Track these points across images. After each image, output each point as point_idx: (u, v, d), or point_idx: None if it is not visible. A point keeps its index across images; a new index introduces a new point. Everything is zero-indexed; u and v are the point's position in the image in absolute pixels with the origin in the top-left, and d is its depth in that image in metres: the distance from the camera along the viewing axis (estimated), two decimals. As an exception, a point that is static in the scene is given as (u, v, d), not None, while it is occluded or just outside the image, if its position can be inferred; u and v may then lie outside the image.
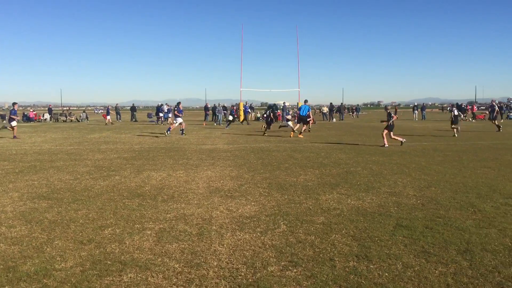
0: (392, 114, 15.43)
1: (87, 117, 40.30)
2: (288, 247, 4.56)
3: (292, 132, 20.04)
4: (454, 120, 20.34)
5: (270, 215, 5.82)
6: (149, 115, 41.20)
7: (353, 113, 52.38)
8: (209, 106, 41.87)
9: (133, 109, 42.04)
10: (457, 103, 40.04)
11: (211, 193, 7.33)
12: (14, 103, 20.53)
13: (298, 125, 20.55)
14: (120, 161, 11.37)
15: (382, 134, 15.63)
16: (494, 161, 11.16)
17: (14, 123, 19.43)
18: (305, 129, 20.59)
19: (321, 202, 6.59)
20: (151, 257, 4.23)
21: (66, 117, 40.24)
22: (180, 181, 8.49)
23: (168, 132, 20.87)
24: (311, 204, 6.45)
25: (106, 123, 33.78)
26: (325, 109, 41.73)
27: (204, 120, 40.27)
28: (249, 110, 35.76)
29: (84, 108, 55.78)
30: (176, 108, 22.35)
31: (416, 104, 43.59)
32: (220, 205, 6.44)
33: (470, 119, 39.51)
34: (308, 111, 20.13)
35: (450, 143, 16.28)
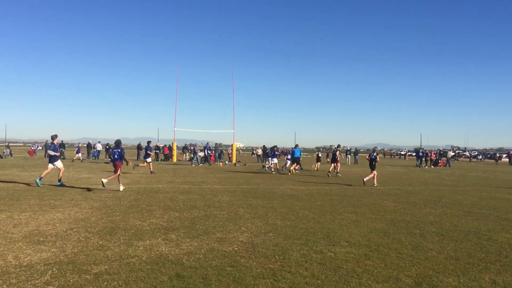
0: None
1: (11, 153, 38.46)
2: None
3: (289, 171, 24.41)
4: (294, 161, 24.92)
5: (41, 264, 5.35)
6: (78, 152, 39.88)
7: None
8: (142, 145, 41.08)
9: (61, 145, 40.55)
10: (416, 149, 40.84)
11: (24, 238, 6.81)
12: (149, 141, 24.34)
13: (294, 164, 24.65)
14: (-23, 201, 10.59)
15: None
16: (367, 207, 11.21)
17: (149, 159, 22.15)
18: (297, 168, 24.98)
19: (124, 250, 6.20)
20: None
21: (-12, 153, 38.28)
22: (9, 224, 7.89)
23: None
24: (109, 254, 6.04)
25: (73, 160, 34.01)
26: (259, 151, 41.83)
27: (137, 159, 39.45)
28: (209, 151, 34.71)
29: (6, 143, 53.13)
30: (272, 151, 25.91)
31: (349, 148, 44.45)
32: (11, 252, 5.92)
33: (427, 165, 39.13)
34: (300, 153, 24.94)
35: (349, 188, 16.41)
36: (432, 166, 38.54)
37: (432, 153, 42.96)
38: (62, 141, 42.24)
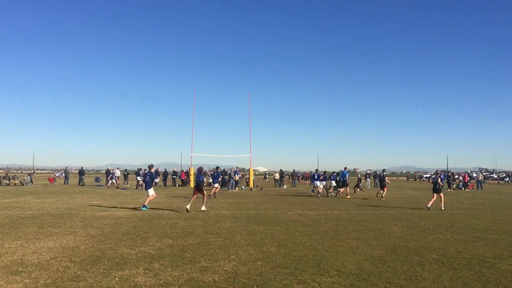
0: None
1: (31, 181, 39.09)
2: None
3: (346, 195, 24.57)
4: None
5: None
6: (96, 179, 40.33)
7: (306, 180, 52.31)
8: (159, 170, 41.16)
9: (81, 172, 41.08)
10: (443, 171, 39.87)
11: (3, 268, 6.70)
12: (217, 167, 25.23)
13: (344, 188, 25.12)
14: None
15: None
16: (372, 233, 10.81)
17: (217, 184, 23.08)
18: (342, 191, 25.35)
19: (98, 281, 5.97)
20: None
21: (10, 180, 38.98)
22: (-4, 253, 7.77)
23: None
24: (82, 285, 5.82)
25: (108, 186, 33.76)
26: (277, 175, 41.43)
27: (154, 185, 39.35)
28: (235, 175, 34.17)
29: (31, 171, 54.33)
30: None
31: (368, 171, 43.63)
32: (-15, 282, 5.76)
33: (450, 189, 37.60)
34: (346, 175, 25.19)
35: (360, 212, 15.93)
36: (462, 189, 37.48)
37: (466, 176, 42.16)
38: (82, 167, 42.79)
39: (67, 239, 9.44)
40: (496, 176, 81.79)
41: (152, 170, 17.14)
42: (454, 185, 39.40)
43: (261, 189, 34.38)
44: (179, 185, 39.56)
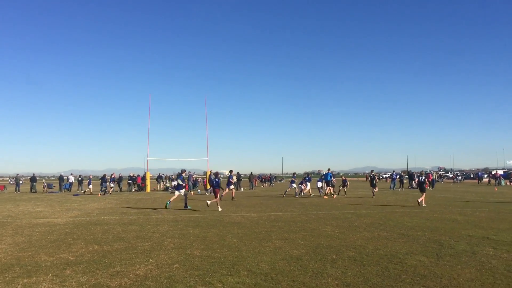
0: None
1: (-25, 188, 37.70)
2: None
3: (324, 195, 25.85)
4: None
5: None
6: (49, 186, 39.31)
7: (265, 182, 52.73)
8: (114, 175, 40.50)
9: (33, 179, 39.94)
10: (409, 171, 40.89)
11: None
12: (230, 171, 26.98)
13: (328, 188, 26.13)
14: None
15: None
16: (304, 233, 11.02)
17: (231, 186, 24.81)
18: (329, 192, 26.10)
19: (5, 288, 5.84)
20: None
21: (-44, 189, 37.43)
22: None
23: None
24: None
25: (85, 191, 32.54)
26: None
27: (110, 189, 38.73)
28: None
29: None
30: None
31: (324, 172, 44.25)
32: None
33: (401, 188, 37.85)
34: (331, 177, 26.28)
35: (303, 213, 16.15)
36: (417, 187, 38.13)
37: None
38: (33, 174, 41.63)
39: (-12, 248, 9.17)
40: (451, 175, 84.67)
41: (183, 175, 19.51)
42: (407, 185, 40.44)
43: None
44: (135, 190, 38.99)
